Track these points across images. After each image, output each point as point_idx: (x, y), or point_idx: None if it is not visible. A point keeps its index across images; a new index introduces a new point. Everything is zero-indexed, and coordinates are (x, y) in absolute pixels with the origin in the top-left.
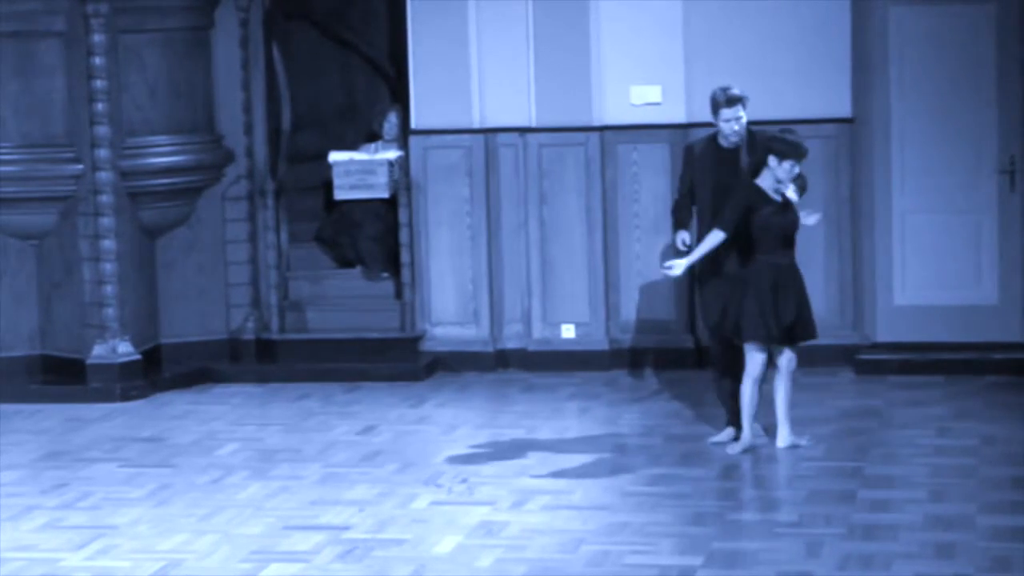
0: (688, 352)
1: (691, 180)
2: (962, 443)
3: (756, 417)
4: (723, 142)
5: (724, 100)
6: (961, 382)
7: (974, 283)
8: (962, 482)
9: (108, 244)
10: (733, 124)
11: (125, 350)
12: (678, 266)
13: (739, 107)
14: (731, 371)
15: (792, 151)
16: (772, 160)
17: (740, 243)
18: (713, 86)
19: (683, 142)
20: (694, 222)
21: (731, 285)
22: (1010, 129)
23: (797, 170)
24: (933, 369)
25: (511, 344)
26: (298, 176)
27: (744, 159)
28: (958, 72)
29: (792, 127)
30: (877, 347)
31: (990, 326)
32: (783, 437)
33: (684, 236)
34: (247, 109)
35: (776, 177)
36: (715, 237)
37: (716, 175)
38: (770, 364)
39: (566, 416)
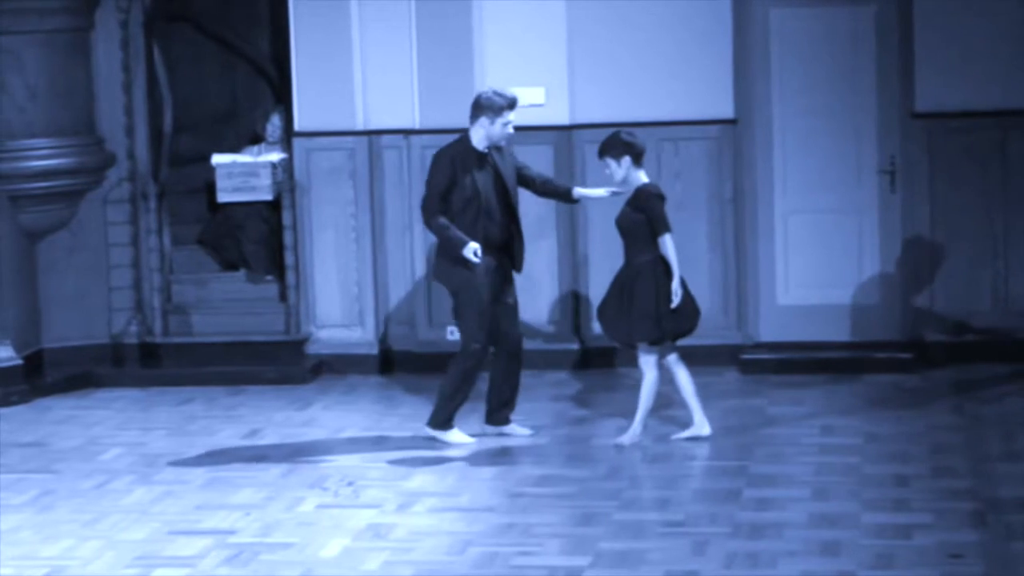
0: (574, 353)
1: (449, 187)
2: (845, 441)
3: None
4: (480, 146)
5: (507, 103)
6: (844, 381)
7: (856, 283)
8: (845, 480)
9: None
10: (510, 127)
11: (6, 355)
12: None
13: (514, 110)
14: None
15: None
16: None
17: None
18: (597, 87)
19: (567, 143)
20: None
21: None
22: (890, 129)
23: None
24: (816, 368)
25: (397, 346)
26: (181, 179)
27: (499, 161)
28: (838, 73)
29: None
30: (760, 347)
31: (872, 325)
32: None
33: (476, 247)
34: (128, 111)
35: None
36: (669, 241)
37: (482, 179)
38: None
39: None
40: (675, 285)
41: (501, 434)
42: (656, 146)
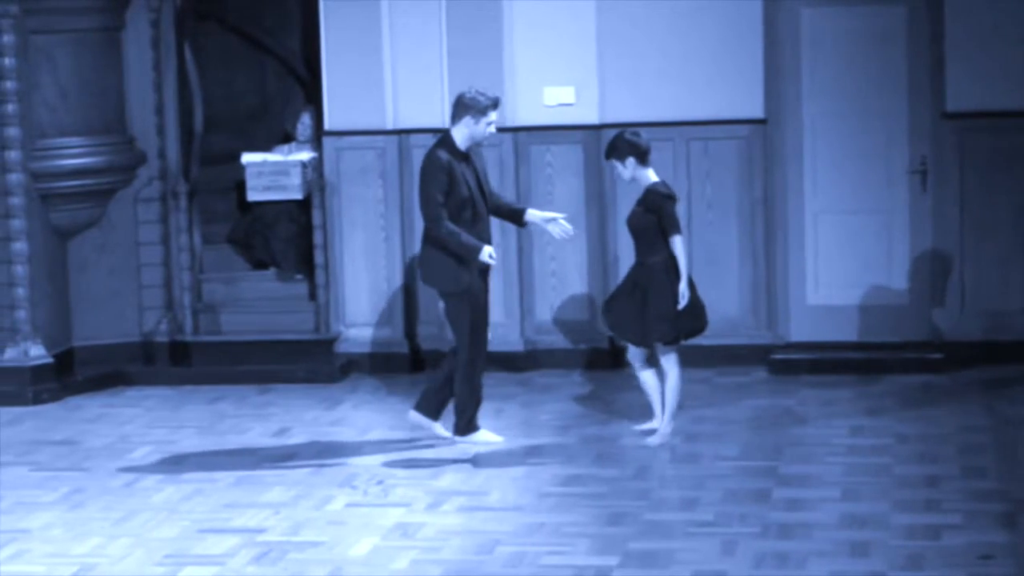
0: (602, 352)
1: (446, 191)
2: (875, 442)
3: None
4: (463, 146)
5: (491, 103)
6: (874, 381)
7: (886, 283)
8: (875, 481)
9: (19, 246)
10: (493, 127)
11: (37, 353)
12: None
13: (497, 109)
14: None
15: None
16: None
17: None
18: (626, 87)
19: (597, 143)
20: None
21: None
22: (920, 130)
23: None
24: (846, 368)
25: (426, 345)
26: (211, 177)
27: (476, 160)
28: (869, 73)
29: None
30: (790, 347)
31: (901, 326)
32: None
33: (491, 249)
34: (159, 110)
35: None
36: (679, 242)
37: (467, 179)
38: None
39: (482, 417)
40: (682, 287)
41: (421, 429)
42: (686, 146)
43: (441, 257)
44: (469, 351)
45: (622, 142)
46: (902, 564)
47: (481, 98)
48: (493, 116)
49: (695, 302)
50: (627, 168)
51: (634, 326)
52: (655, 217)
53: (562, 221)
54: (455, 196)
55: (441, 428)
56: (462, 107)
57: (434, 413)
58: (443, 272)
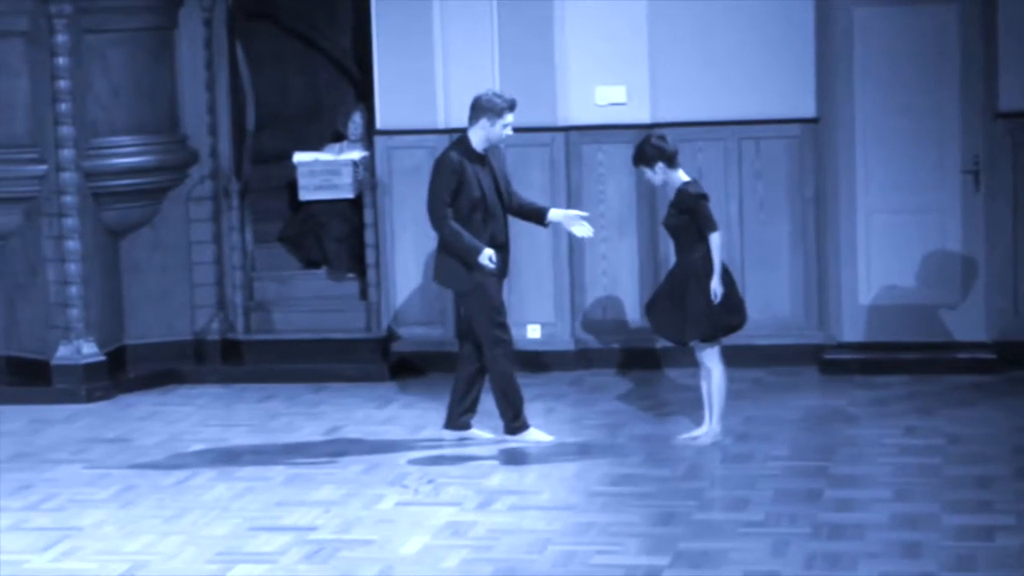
0: (652, 352)
1: (455, 191)
2: (927, 442)
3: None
4: (479, 147)
5: (507, 105)
6: (926, 381)
7: (938, 283)
8: (927, 481)
9: (72, 245)
10: (509, 129)
11: (90, 351)
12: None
13: (513, 112)
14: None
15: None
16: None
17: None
18: (678, 86)
19: None
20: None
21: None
22: (974, 129)
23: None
24: (898, 368)
25: None
26: (263, 176)
27: (494, 162)
28: (922, 72)
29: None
30: (842, 347)
31: (954, 325)
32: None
33: (491, 252)
34: (211, 109)
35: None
36: (716, 240)
37: (481, 181)
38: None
39: (532, 416)
40: (714, 284)
41: (463, 439)
42: (737, 145)
43: (451, 257)
44: (492, 347)
45: (649, 148)
46: (954, 565)
47: (498, 100)
48: (509, 118)
49: (733, 298)
50: (657, 173)
51: (673, 325)
52: (689, 217)
53: (584, 223)
54: (465, 197)
55: (478, 431)
56: (479, 109)
57: (463, 423)
58: (454, 272)
